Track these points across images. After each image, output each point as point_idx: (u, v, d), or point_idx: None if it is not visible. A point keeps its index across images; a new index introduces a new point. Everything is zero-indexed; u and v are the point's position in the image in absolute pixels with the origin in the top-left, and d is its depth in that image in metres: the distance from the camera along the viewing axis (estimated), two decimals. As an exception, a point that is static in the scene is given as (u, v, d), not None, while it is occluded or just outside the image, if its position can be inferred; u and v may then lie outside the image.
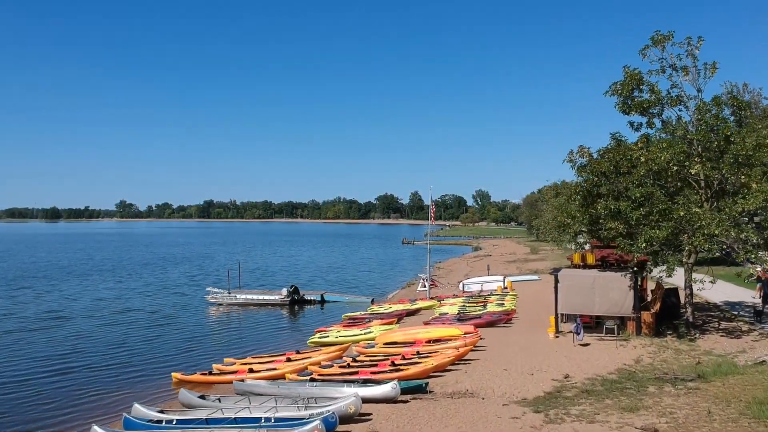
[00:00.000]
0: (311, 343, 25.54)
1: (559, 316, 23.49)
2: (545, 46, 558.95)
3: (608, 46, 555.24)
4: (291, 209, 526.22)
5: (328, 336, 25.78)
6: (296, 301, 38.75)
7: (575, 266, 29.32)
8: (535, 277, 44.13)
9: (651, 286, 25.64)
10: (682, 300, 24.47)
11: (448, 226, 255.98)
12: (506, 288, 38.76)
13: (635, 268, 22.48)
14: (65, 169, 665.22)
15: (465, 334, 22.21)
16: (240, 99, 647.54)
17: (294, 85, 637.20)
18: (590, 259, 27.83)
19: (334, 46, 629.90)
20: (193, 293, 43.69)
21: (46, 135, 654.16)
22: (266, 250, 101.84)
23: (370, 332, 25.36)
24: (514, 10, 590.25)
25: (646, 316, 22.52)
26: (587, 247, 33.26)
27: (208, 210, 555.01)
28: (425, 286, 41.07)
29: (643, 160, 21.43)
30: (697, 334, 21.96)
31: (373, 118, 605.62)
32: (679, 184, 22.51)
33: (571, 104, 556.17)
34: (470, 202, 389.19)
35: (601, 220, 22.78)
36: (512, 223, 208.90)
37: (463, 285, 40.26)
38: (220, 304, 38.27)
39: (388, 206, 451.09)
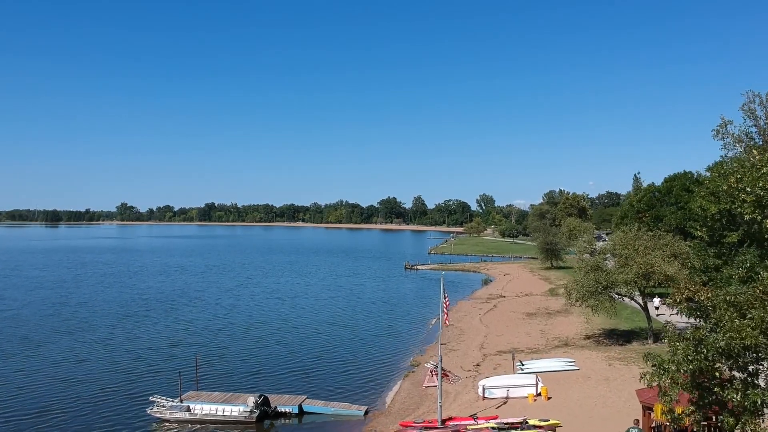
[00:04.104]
0: None
1: None
2: (549, 46, 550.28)
3: (611, 47, 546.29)
4: (292, 213, 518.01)
5: None
6: (266, 415, 29.76)
7: (658, 428, 20.66)
8: (570, 364, 35.39)
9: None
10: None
11: (453, 236, 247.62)
12: (539, 394, 30.08)
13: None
14: (66, 171, 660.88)
15: None
16: (242, 101, 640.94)
17: (296, 87, 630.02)
18: (685, 420, 19.04)
19: (338, 50, 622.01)
20: (154, 387, 34.52)
21: (47, 137, 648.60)
22: (266, 282, 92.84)
23: None
24: (513, 8, 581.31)
25: None
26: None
27: (209, 213, 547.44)
28: (434, 379, 32.64)
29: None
30: None
31: (376, 121, 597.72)
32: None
33: (570, 105, 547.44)
34: (474, 206, 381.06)
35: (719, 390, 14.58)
36: (520, 236, 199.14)
37: (484, 389, 31.33)
38: (167, 420, 29.41)
39: (391, 210, 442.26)
